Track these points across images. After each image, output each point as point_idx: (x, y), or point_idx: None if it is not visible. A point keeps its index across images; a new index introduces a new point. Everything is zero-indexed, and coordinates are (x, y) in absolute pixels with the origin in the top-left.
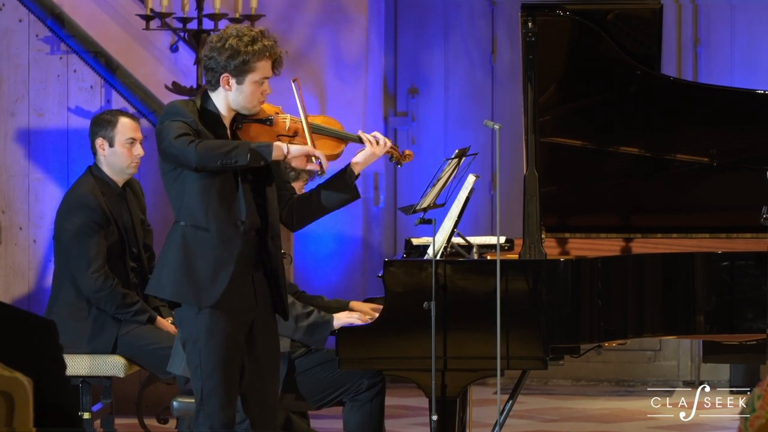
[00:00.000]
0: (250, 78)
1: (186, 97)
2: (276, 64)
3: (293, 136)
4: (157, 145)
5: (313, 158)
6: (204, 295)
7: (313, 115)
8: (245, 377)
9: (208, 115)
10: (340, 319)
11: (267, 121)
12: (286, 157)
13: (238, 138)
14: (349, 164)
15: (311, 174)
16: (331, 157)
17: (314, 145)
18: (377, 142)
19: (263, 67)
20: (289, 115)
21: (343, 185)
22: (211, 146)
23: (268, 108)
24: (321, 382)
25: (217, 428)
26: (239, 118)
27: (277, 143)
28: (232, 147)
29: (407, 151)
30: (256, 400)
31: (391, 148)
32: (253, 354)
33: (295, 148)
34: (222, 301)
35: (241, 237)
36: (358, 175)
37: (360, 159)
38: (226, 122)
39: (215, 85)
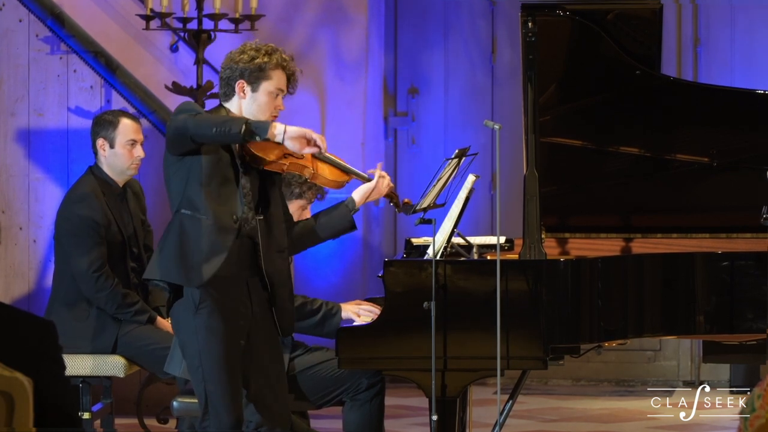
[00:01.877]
0: (265, 86)
1: (187, 97)
2: (291, 80)
3: (300, 157)
4: (166, 138)
5: (312, 142)
6: (193, 275)
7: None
8: (252, 386)
9: None
10: (348, 310)
11: None
12: (283, 136)
13: (248, 151)
14: (350, 196)
15: (316, 194)
16: (336, 184)
17: (316, 171)
18: (382, 182)
19: (278, 77)
20: None
21: (341, 215)
22: (209, 117)
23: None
24: (320, 381)
25: (226, 428)
26: None
27: (274, 123)
28: (229, 118)
29: (406, 200)
30: (268, 405)
31: (391, 192)
32: (259, 364)
33: (293, 129)
34: (213, 288)
35: (236, 232)
36: (358, 208)
37: (360, 192)
38: None
39: (229, 95)
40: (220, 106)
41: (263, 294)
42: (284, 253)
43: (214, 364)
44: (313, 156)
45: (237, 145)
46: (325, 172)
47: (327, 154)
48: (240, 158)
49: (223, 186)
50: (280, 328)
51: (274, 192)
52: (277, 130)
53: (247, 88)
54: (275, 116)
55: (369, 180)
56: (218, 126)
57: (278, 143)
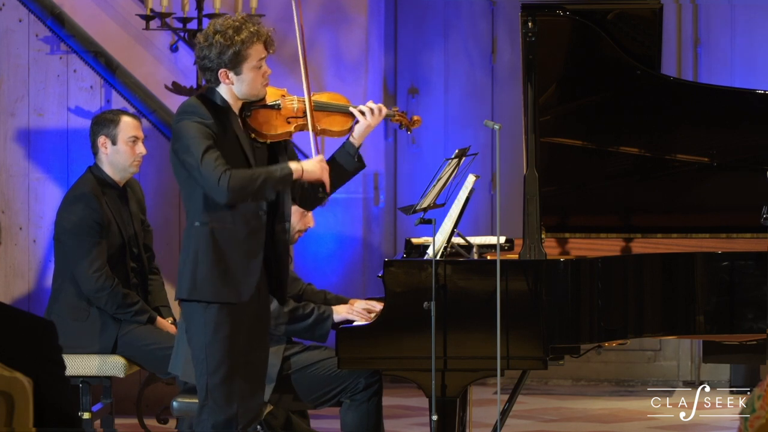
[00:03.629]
0: (247, 66)
1: (188, 97)
2: (268, 45)
3: (302, 117)
4: (171, 143)
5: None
6: (242, 290)
7: (319, 93)
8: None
9: (218, 108)
10: (340, 312)
11: (275, 106)
12: (301, 177)
13: (248, 126)
14: (347, 139)
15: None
16: (342, 133)
17: (317, 127)
18: (371, 112)
19: (256, 51)
20: (295, 96)
21: (347, 159)
22: (241, 183)
23: (274, 91)
24: (317, 381)
25: (221, 423)
26: (247, 106)
27: (294, 166)
28: (261, 183)
29: (415, 117)
30: (245, 398)
31: (399, 115)
32: (247, 357)
33: (309, 172)
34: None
35: (265, 226)
36: (359, 146)
37: (357, 133)
38: (236, 110)
39: (216, 82)
40: (212, 90)
41: (264, 280)
42: (286, 224)
43: (218, 358)
44: (315, 109)
45: (241, 124)
46: (331, 124)
47: (325, 101)
48: (248, 140)
49: None
50: (279, 297)
51: (283, 160)
52: (299, 172)
53: (231, 74)
54: (266, 84)
55: (363, 113)
56: (254, 196)
57: (278, 110)
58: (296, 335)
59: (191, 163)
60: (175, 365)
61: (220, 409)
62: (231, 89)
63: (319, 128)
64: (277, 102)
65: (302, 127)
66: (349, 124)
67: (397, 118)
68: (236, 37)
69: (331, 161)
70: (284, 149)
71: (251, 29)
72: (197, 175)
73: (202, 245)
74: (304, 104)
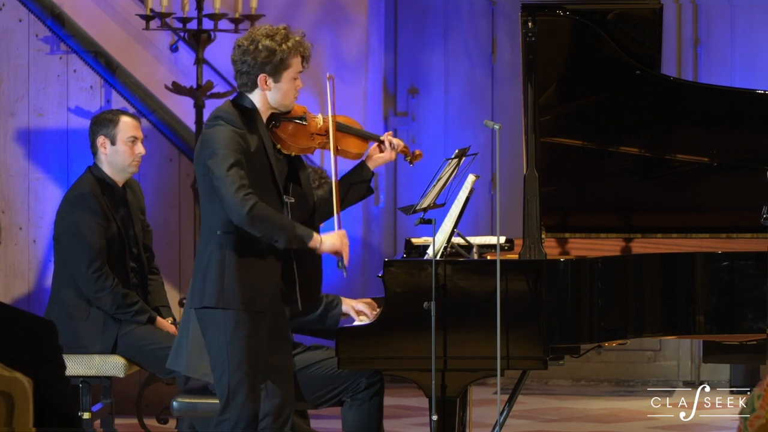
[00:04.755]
0: (287, 75)
1: (188, 97)
2: (306, 59)
3: (325, 134)
4: (199, 149)
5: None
6: (269, 297)
7: (337, 115)
8: (269, 373)
9: (248, 115)
10: (349, 303)
11: (302, 120)
12: (318, 248)
13: (276, 136)
14: (363, 162)
15: None
16: (358, 156)
17: (337, 147)
18: (391, 145)
19: (297, 62)
20: (319, 115)
21: (359, 182)
22: (265, 214)
23: (296, 108)
24: (318, 380)
25: (245, 422)
26: (275, 117)
27: (315, 235)
28: (281, 225)
29: (417, 151)
30: (282, 380)
31: (404, 147)
32: (270, 337)
33: (328, 244)
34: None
35: None
36: (372, 174)
37: (374, 161)
38: (263, 119)
39: (252, 87)
40: (243, 96)
41: (281, 277)
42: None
43: (239, 356)
44: (337, 129)
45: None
46: (349, 145)
47: (346, 124)
48: (273, 150)
49: (267, 191)
50: (302, 303)
51: (303, 171)
52: (316, 243)
53: (270, 81)
54: (297, 96)
55: (382, 141)
56: (267, 235)
57: (304, 125)
58: (307, 326)
59: (216, 173)
60: (175, 361)
61: (243, 409)
62: (265, 96)
63: (338, 148)
64: (304, 116)
65: (324, 145)
66: (365, 148)
67: (402, 149)
68: (284, 45)
69: (344, 181)
70: (303, 165)
71: (297, 39)
72: (220, 185)
73: (228, 253)
74: (328, 123)
